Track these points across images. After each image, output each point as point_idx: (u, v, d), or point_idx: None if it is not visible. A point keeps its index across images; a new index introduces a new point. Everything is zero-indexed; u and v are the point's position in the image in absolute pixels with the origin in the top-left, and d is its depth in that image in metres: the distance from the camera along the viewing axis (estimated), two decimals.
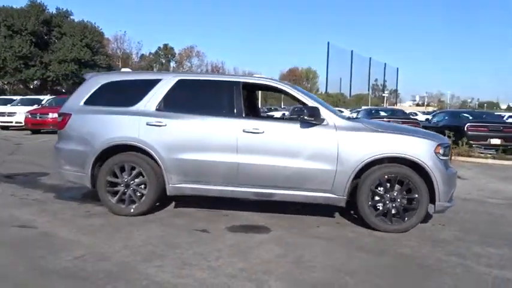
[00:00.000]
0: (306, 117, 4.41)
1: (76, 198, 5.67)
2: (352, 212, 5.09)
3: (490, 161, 10.75)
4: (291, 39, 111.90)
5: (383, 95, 71.70)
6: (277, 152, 4.51)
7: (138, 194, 4.76)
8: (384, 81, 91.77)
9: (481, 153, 11.41)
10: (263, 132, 4.51)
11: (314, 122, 4.45)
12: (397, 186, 4.43)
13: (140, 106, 4.81)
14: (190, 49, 60.97)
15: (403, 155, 4.36)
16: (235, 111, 4.67)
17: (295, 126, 4.54)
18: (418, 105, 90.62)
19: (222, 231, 4.36)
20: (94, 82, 5.05)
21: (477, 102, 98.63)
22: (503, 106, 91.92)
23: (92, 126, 4.85)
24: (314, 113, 4.40)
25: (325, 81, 74.80)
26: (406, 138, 4.47)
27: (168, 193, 4.76)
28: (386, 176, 4.39)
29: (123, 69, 5.74)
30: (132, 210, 4.74)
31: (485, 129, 11.86)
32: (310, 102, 4.60)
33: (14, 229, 4.21)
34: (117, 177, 4.77)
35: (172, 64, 68.36)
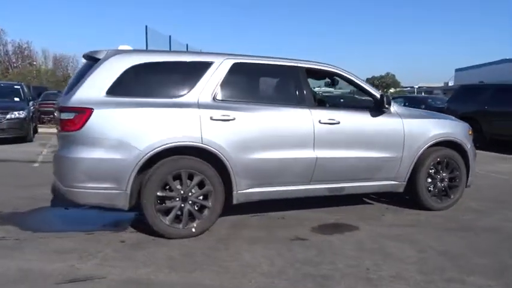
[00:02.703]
0: (386, 106, 4.30)
1: (66, 227, 4.09)
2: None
3: None
4: (108, 20, 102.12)
5: None
6: (353, 143, 4.27)
7: (197, 208, 3.77)
8: None
9: None
10: (339, 122, 4.18)
11: (386, 111, 4.38)
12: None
13: (193, 96, 3.76)
14: None
15: (452, 139, 4.74)
16: (306, 100, 4.16)
17: (367, 115, 4.38)
18: None
19: (317, 236, 3.89)
20: (116, 64, 3.66)
21: None
22: None
23: (130, 124, 3.55)
24: (389, 101, 4.33)
25: None
26: (452, 123, 4.89)
27: (234, 201, 3.93)
28: (439, 159, 4.70)
29: (122, 47, 4.29)
30: (193, 230, 3.73)
31: None
32: (376, 92, 4.48)
33: (70, 286, 2.77)
34: (170, 189, 3.65)
35: None
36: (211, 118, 3.71)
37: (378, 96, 4.40)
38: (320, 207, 4.72)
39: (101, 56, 3.70)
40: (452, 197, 4.82)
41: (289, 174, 4.07)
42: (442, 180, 4.76)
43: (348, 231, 4.03)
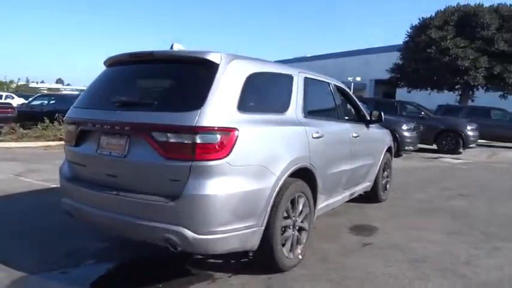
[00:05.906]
0: (382, 121, 5.08)
1: None
2: None
3: None
4: None
5: None
6: (364, 152, 4.88)
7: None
8: None
9: None
10: (359, 135, 4.69)
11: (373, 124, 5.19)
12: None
13: (291, 112, 3.46)
14: None
15: (390, 144, 6.03)
16: (344, 115, 4.46)
17: (365, 127, 5.04)
18: None
19: (370, 238, 4.27)
20: (239, 72, 2.93)
21: None
22: None
23: (267, 146, 2.99)
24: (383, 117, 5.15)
25: None
26: (387, 131, 6.14)
27: (314, 219, 3.83)
28: (385, 161, 5.90)
29: (177, 45, 3.15)
30: (300, 257, 3.45)
31: None
32: (365, 110, 5.17)
33: None
34: (287, 217, 3.26)
35: None
36: (312, 136, 3.53)
37: (368, 115, 5.13)
38: None
39: (216, 59, 2.85)
40: (387, 189, 6.15)
41: (340, 185, 4.30)
42: (384, 177, 6.00)
43: (379, 230, 4.59)
